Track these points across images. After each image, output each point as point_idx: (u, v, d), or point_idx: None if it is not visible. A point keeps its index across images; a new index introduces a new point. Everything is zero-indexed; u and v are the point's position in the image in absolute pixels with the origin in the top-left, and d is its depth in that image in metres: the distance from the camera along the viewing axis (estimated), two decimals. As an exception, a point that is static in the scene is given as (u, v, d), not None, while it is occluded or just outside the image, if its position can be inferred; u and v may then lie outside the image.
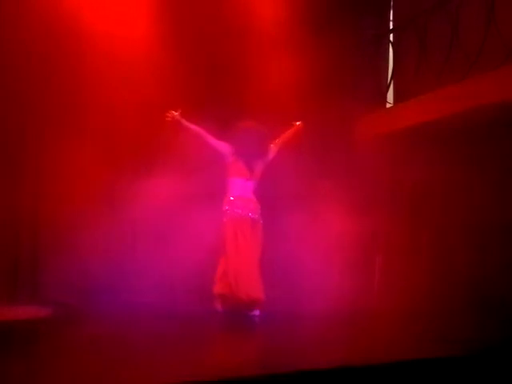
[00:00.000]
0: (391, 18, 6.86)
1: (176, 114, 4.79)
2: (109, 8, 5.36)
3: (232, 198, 4.82)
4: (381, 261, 6.04)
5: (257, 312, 4.69)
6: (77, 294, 4.98)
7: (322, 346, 3.62)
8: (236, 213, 4.77)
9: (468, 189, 5.30)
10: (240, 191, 4.84)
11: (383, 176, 5.92)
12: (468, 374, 3.19)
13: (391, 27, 6.83)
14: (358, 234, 5.80)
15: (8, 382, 2.78)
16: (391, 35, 6.77)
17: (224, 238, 4.76)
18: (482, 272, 4.94)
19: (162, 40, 5.41)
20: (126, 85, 5.34)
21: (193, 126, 4.84)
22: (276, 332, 4.14)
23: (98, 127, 5.34)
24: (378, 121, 6.30)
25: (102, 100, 5.26)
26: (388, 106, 6.69)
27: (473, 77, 5.18)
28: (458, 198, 5.41)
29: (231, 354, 3.54)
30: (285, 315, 4.79)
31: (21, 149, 5.27)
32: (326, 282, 5.76)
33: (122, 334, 3.94)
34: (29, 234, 5.27)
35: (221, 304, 4.79)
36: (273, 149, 4.98)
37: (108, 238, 5.17)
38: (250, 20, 5.94)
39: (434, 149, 5.65)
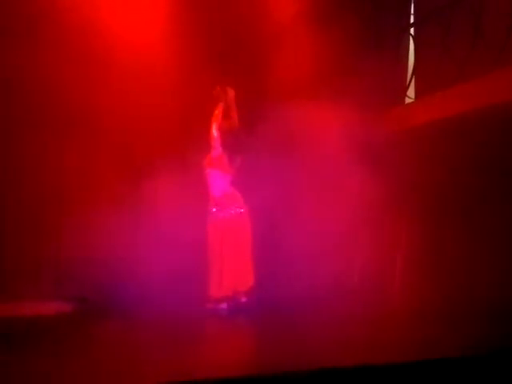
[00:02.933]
0: (412, 12, 6.77)
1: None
2: (121, 8, 5.38)
3: (215, 198, 4.94)
4: (402, 258, 5.98)
5: (243, 299, 4.84)
6: (98, 290, 5.06)
7: (335, 343, 3.61)
8: (221, 213, 4.90)
9: (494, 186, 5.20)
10: (221, 187, 4.94)
11: (404, 172, 5.85)
12: (486, 374, 3.15)
13: (412, 21, 6.74)
14: (378, 231, 5.76)
15: (33, 375, 2.84)
16: (412, 29, 6.68)
17: (212, 239, 4.88)
18: (507, 271, 4.85)
19: (175, 37, 5.41)
20: (141, 86, 5.37)
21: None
22: (290, 329, 4.13)
23: (114, 129, 5.37)
24: (399, 116, 6.23)
25: (116, 103, 5.30)
26: (409, 101, 6.61)
27: (497, 71, 5.09)
28: (482, 195, 5.32)
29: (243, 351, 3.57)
30: (301, 312, 4.79)
31: (40, 151, 5.36)
32: (347, 278, 5.73)
33: (140, 329, 4.00)
34: (52, 232, 5.37)
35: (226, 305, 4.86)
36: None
37: (129, 236, 5.21)
38: (269, 13, 5.93)
39: (457, 144, 5.56)
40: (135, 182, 5.42)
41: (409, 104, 6.53)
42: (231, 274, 4.82)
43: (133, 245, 5.23)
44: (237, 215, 4.93)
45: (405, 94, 6.59)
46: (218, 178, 4.98)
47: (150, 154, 5.54)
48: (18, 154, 5.33)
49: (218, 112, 5.03)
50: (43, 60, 5.17)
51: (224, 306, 4.83)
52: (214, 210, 4.94)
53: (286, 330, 4.10)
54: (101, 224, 5.21)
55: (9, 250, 5.23)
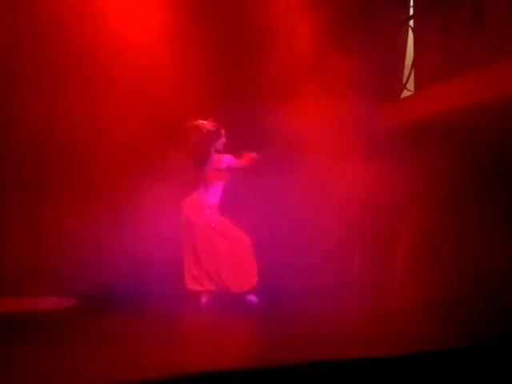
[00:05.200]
0: (411, 4, 6.74)
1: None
2: (120, 10, 5.37)
3: (187, 200, 4.98)
4: (402, 250, 5.99)
5: (252, 298, 4.87)
6: (97, 285, 5.08)
7: (335, 336, 3.62)
8: (188, 214, 4.92)
9: (494, 179, 5.19)
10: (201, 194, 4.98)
11: (402, 166, 5.85)
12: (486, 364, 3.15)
13: (411, 13, 6.72)
14: (379, 223, 5.76)
15: (32, 370, 2.85)
16: (412, 21, 6.66)
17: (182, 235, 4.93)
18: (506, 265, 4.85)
19: (176, 42, 5.39)
20: (139, 85, 5.37)
21: None
22: (289, 323, 4.15)
23: (112, 131, 5.36)
24: (398, 109, 6.22)
25: (115, 104, 5.30)
26: (409, 94, 6.60)
27: (496, 64, 5.07)
28: (483, 188, 5.30)
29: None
30: (303, 305, 4.81)
31: (40, 151, 5.42)
32: (347, 271, 5.74)
33: (139, 324, 4.03)
34: (51, 228, 5.40)
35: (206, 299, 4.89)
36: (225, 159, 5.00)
37: (128, 233, 5.23)
38: (265, 10, 5.92)
39: (456, 137, 5.56)
40: (135, 181, 5.43)
41: (408, 97, 6.52)
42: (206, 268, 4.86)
43: (131, 242, 5.24)
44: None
45: (404, 87, 6.58)
46: (213, 189, 5.02)
47: (148, 157, 5.54)
48: (17, 152, 5.36)
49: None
50: (42, 64, 5.18)
51: (203, 299, 4.86)
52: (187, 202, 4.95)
53: (283, 323, 4.12)
54: (100, 221, 5.24)
55: (8, 245, 5.25)
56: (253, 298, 4.89)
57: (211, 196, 5.00)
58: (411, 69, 6.55)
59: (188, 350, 3.38)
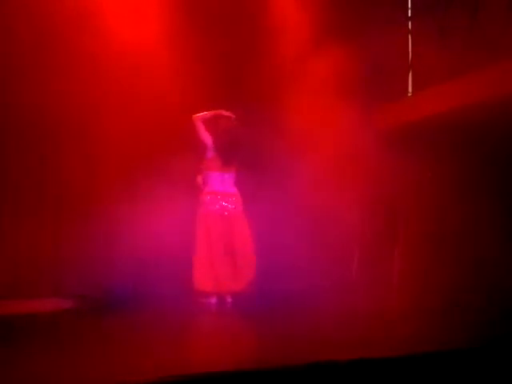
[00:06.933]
0: (409, 6, 6.77)
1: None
2: (121, 8, 5.38)
3: (207, 195, 4.95)
4: (400, 252, 6.00)
5: (228, 299, 4.90)
6: (97, 287, 5.08)
7: (335, 337, 3.62)
8: (210, 209, 4.89)
9: (493, 178, 5.20)
10: (218, 185, 4.95)
11: (402, 166, 5.87)
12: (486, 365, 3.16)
13: (409, 15, 6.74)
14: (377, 224, 5.77)
15: (32, 372, 2.85)
16: (409, 23, 6.68)
17: (199, 233, 4.91)
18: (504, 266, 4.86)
19: (172, 42, 5.41)
20: (139, 83, 5.38)
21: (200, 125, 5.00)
22: (289, 324, 4.14)
23: (112, 132, 5.36)
24: (396, 110, 6.24)
25: (114, 106, 5.31)
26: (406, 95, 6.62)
27: (495, 63, 5.09)
28: (482, 189, 5.32)
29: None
30: (301, 307, 4.81)
31: (41, 154, 5.43)
32: (345, 273, 5.74)
33: (139, 325, 4.03)
34: (51, 229, 5.40)
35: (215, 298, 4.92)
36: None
37: (127, 233, 5.23)
38: (266, 10, 5.93)
39: (453, 139, 5.58)
40: (134, 182, 5.43)
41: (408, 98, 6.53)
42: (220, 269, 4.85)
43: (131, 243, 5.24)
44: (232, 212, 4.95)
45: (402, 89, 6.59)
46: (217, 179, 5.00)
47: (147, 159, 5.54)
48: (17, 153, 5.36)
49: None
50: (42, 65, 5.18)
51: (213, 299, 4.87)
52: (208, 197, 4.95)
53: (283, 324, 4.11)
54: (99, 221, 5.24)
55: (8, 247, 5.25)
56: (229, 299, 4.93)
57: (229, 185, 5.02)
58: (408, 70, 6.56)
59: (188, 351, 3.39)
